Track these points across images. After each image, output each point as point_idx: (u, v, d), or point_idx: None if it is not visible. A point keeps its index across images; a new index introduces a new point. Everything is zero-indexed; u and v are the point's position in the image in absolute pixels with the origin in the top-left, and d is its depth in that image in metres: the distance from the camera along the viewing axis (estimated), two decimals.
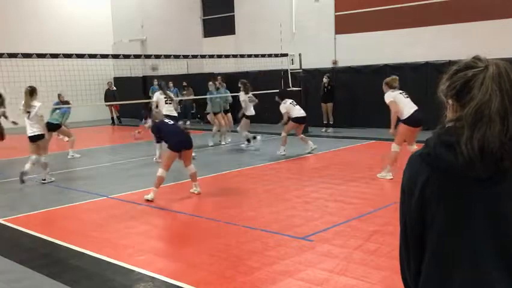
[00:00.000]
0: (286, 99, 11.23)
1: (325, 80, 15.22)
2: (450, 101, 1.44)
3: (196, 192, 7.84)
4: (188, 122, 19.25)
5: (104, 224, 6.71)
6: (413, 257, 1.49)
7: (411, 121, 8.16)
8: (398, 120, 8.32)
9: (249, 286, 4.37)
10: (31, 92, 8.96)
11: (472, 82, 1.37)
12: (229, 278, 4.55)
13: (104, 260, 5.12)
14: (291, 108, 11.06)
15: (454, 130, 1.36)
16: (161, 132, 7.90)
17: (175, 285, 4.44)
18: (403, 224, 1.51)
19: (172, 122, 8.23)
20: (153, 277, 4.62)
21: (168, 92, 11.77)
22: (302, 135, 11.41)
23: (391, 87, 8.28)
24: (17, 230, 6.33)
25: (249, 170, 9.87)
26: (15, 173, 9.90)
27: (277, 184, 8.45)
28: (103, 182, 9.23)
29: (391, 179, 8.31)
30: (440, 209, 1.40)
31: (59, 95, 12.28)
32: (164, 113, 10.48)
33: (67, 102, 12.03)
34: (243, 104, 12.66)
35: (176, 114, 11.40)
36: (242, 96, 12.59)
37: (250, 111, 12.57)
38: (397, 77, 8.49)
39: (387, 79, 8.41)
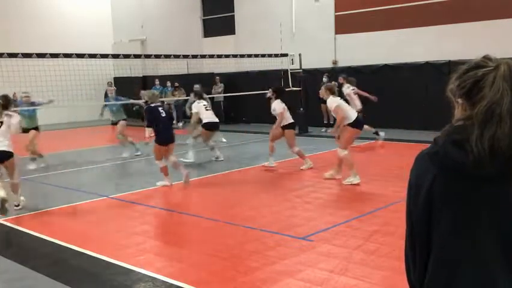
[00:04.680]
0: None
1: (325, 79, 15.18)
2: (459, 100, 1.44)
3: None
4: (180, 124, 19.22)
5: (104, 224, 6.71)
6: (418, 256, 1.49)
7: (356, 123, 8.38)
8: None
9: (249, 286, 4.37)
10: (3, 105, 7.10)
11: (482, 81, 1.37)
12: (229, 278, 4.55)
13: (104, 260, 5.12)
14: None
15: (464, 129, 1.36)
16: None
17: (175, 285, 4.44)
18: (409, 223, 1.51)
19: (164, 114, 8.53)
20: (153, 277, 4.61)
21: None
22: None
23: (333, 93, 8.51)
24: (17, 230, 6.33)
25: (249, 170, 9.86)
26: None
27: (277, 184, 8.45)
28: (102, 182, 9.23)
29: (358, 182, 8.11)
30: (447, 208, 1.39)
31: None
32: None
33: None
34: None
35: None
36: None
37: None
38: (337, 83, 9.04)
39: (330, 85, 8.85)
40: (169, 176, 8.48)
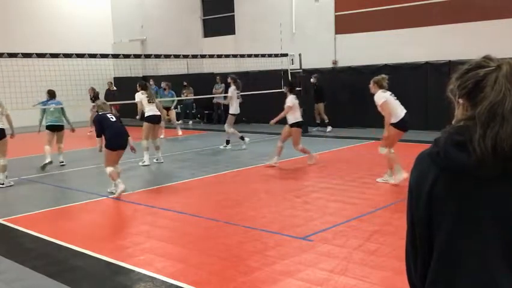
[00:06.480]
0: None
1: (312, 80, 15.23)
2: (460, 101, 1.44)
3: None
4: (190, 122, 19.26)
5: (104, 224, 6.71)
6: (420, 257, 1.49)
7: (401, 125, 7.91)
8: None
9: (249, 286, 4.37)
10: None
11: (484, 81, 1.36)
12: (229, 278, 4.54)
13: (104, 260, 5.12)
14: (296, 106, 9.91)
15: (465, 129, 1.35)
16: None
17: (175, 285, 4.43)
18: (410, 224, 1.50)
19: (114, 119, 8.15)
20: (153, 277, 4.61)
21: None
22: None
23: (381, 87, 7.90)
24: (17, 230, 6.33)
25: (249, 170, 9.86)
26: (16, 173, 9.89)
27: (277, 184, 8.45)
28: (102, 182, 9.21)
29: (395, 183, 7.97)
30: (448, 209, 1.39)
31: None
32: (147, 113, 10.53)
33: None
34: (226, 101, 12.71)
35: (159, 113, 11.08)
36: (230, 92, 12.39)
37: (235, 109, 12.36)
38: (386, 76, 8.08)
39: (378, 78, 7.99)
40: (119, 180, 7.94)
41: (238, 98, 12.28)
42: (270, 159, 10.01)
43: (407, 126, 7.98)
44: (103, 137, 7.98)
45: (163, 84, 16.74)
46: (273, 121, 9.98)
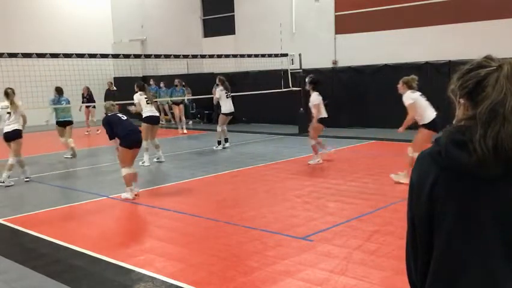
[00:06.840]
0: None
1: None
2: (461, 100, 1.44)
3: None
4: (190, 122, 19.26)
5: (104, 224, 6.71)
6: (420, 256, 1.49)
7: (432, 125, 7.69)
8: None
9: (249, 286, 4.37)
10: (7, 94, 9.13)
11: (485, 81, 1.37)
12: (229, 278, 4.55)
13: (104, 260, 5.12)
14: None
15: (466, 129, 1.35)
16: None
17: (175, 285, 4.44)
18: (411, 223, 1.50)
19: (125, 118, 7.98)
20: (153, 277, 4.61)
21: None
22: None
23: (410, 87, 7.74)
24: (17, 230, 6.33)
25: (249, 170, 9.86)
26: (16, 173, 9.90)
27: (277, 184, 8.45)
28: (103, 182, 9.23)
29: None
30: (449, 208, 1.39)
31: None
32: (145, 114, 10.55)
33: None
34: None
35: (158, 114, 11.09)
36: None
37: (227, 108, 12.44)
38: (416, 77, 7.89)
39: (407, 78, 7.81)
40: (133, 186, 7.77)
41: (227, 97, 12.30)
42: (322, 155, 10.03)
43: (438, 127, 7.73)
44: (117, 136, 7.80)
45: (175, 81, 17.20)
46: (314, 122, 9.78)
